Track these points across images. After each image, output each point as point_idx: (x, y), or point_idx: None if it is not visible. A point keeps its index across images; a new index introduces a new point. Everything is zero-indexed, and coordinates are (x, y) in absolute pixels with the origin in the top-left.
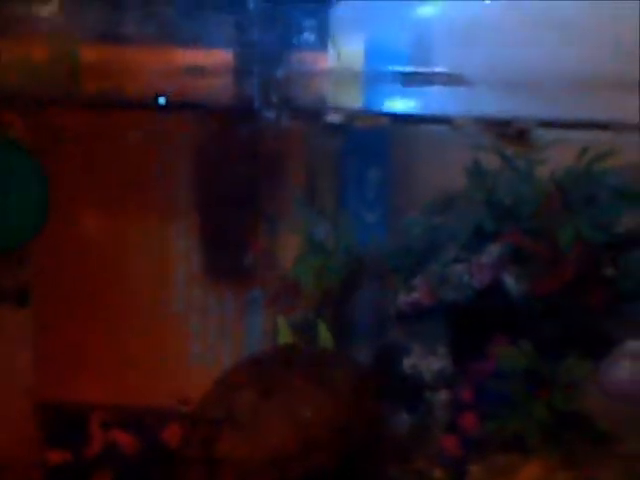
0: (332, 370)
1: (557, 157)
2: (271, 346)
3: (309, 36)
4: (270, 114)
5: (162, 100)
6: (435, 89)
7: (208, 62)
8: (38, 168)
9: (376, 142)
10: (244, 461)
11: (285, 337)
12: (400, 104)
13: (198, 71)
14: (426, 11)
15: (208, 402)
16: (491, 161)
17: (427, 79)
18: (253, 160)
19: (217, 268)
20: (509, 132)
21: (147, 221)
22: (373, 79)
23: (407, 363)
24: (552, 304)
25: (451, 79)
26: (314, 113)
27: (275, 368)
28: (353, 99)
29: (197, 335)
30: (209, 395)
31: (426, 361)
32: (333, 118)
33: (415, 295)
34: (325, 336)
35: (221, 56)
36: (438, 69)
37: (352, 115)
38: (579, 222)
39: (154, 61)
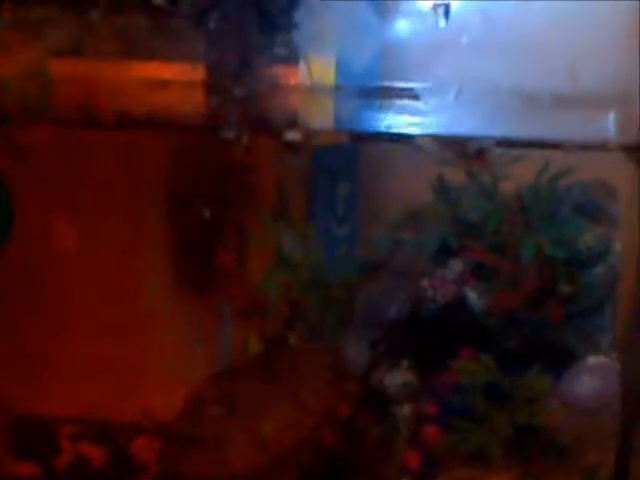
0: (308, 374)
1: (523, 174)
2: (244, 357)
3: (279, 50)
4: (238, 129)
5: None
6: (404, 104)
7: (177, 76)
8: (2, 184)
9: (345, 157)
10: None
11: (255, 350)
12: (370, 119)
13: (167, 86)
14: (397, 26)
15: (177, 419)
16: (456, 177)
17: (397, 94)
18: (223, 174)
19: (187, 282)
20: (468, 150)
21: (116, 234)
22: (344, 94)
23: (373, 376)
24: (513, 319)
25: (419, 94)
26: (278, 130)
27: (243, 382)
28: (323, 114)
29: (167, 348)
30: (179, 411)
31: (391, 374)
32: (292, 136)
33: None
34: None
35: (190, 71)
36: (408, 84)
37: (313, 133)
38: (541, 238)
39: (123, 75)
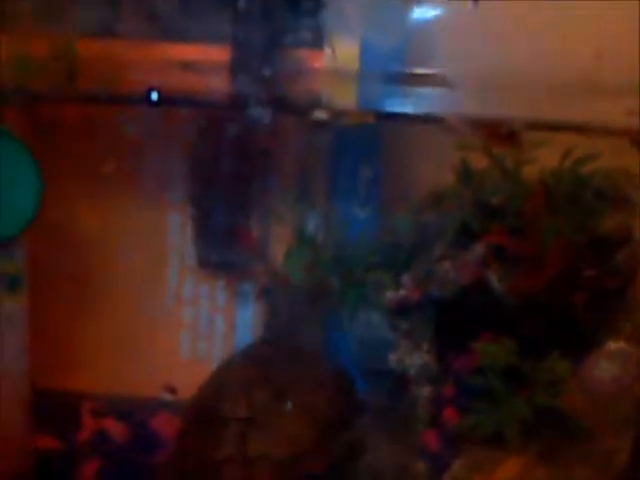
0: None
1: (546, 158)
2: (259, 341)
3: (305, 34)
4: (263, 110)
5: (155, 95)
6: (430, 90)
7: (203, 58)
8: (33, 160)
9: (369, 139)
10: (272, 459)
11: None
12: (394, 104)
13: (193, 67)
14: (423, 11)
15: (225, 401)
16: (479, 160)
17: (423, 80)
18: (246, 155)
19: (209, 260)
20: (499, 133)
21: (140, 213)
22: (368, 78)
23: (393, 358)
24: (535, 303)
25: (446, 80)
26: (303, 110)
27: (277, 366)
28: (347, 98)
29: (189, 326)
30: (222, 393)
31: (411, 356)
32: (319, 115)
33: (402, 291)
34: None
35: (216, 52)
36: (434, 70)
37: (339, 112)
38: (563, 222)
39: (149, 56)
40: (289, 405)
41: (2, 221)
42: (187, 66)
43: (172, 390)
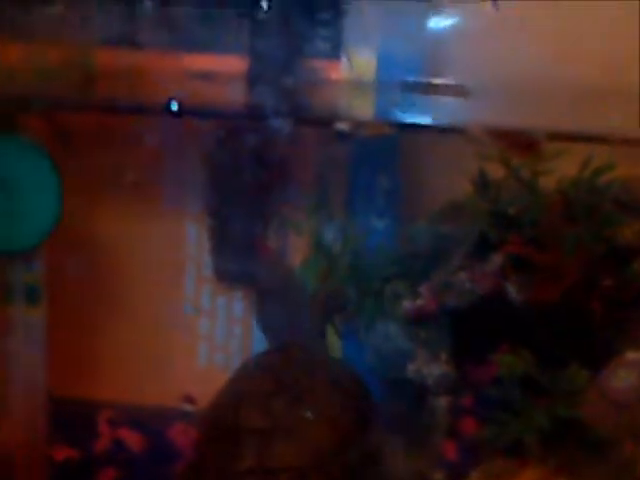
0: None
1: (564, 168)
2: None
3: (322, 44)
4: (281, 121)
5: (174, 106)
6: (447, 100)
7: (220, 68)
8: (54, 170)
9: (387, 149)
10: (296, 467)
11: None
12: (411, 114)
13: (211, 77)
14: (440, 22)
15: (242, 411)
16: (497, 170)
17: (439, 90)
18: (264, 166)
19: (226, 273)
20: (520, 143)
21: (158, 223)
22: (385, 89)
23: (411, 368)
24: (553, 312)
25: (463, 90)
26: (323, 121)
27: (292, 373)
28: (365, 108)
29: (206, 336)
30: (239, 403)
31: (429, 366)
32: (338, 127)
33: (420, 301)
34: (332, 339)
35: (234, 62)
36: (450, 80)
37: (360, 124)
38: (581, 231)
39: (168, 66)
40: (309, 413)
41: (21, 232)
42: (206, 76)
43: (191, 401)
